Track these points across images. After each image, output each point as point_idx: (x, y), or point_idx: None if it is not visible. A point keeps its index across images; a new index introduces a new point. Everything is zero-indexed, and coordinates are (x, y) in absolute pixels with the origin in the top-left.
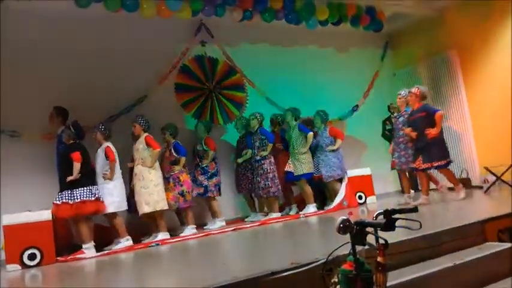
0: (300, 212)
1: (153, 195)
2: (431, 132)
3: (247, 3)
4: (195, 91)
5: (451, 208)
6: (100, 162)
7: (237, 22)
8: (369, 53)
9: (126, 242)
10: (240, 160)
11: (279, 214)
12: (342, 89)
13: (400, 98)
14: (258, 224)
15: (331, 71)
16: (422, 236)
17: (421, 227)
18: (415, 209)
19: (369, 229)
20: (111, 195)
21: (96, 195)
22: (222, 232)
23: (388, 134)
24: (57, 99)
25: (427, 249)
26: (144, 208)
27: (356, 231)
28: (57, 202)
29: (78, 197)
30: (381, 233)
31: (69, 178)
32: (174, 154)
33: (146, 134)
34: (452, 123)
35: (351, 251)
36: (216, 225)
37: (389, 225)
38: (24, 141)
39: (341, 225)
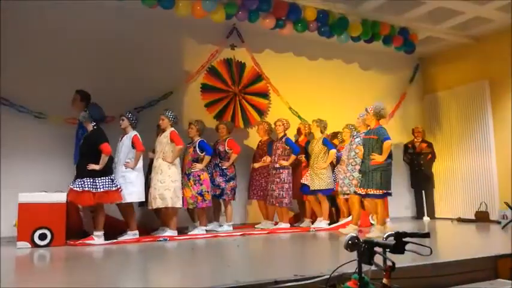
0: (311, 226)
1: (169, 190)
2: (376, 158)
3: (281, 12)
4: (220, 93)
5: (464, 239)
6: (125, 151)
7: (264, 29)
8: (397, 73)
9: (132, 235)
10: (257, 165)
11: (288, 225)
12: (366, 106)
13: (358, 119)
14: (266, 232)
15: (357, 87)
16: (432, 264)
17: (431, 253)
18: (427, 235)
19: (377, 249)
20: (133, 185)
21: (117, 185)
22: (230, 236)
23: (410, 158)
24: (83, 87)
25: (435, 277)
26: (158, 202)
27: (364, 249)
28: (77, 189)
29: (101, 187)
30: (389, 255)
31: (93, 167)
32: (198, 152)
33: (172, 129)
34: (477, 155)
35: (357, 269)
36: (223, 228)
37: (398, 248)
38: (48, 123)
39: (349, 242)
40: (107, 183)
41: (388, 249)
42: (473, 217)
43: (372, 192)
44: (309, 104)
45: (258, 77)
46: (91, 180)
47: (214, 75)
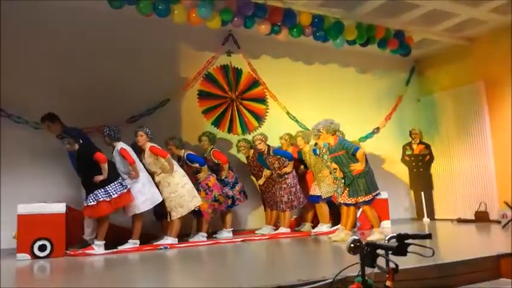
0: (312, 230)
1: (184, 196)
2: (357, 168)
3: (276, 18)
4: (217, 99)
5: (466, 240)
6: (121, 165)
7: (260, 35)
8: (393, 76)
9: (133, 244)
10: (261, 182)
11: (288, 230)
12: (363, 110)
13: (315, 137)
14: (267, 237)
15: (353, 91)
16: (434, 265)
17: (433, 254)
18: (428, 236)
19: (379, 251)
20: (141, 194)
21: (127, 186)
22: (231, 242)
23: (408, 160)
24: (81, 96)
25: (438, 278)
26: (179, 211)
27: (366, 252)
28: (93, 203)
29: (114, 193)
30: (391, 257)
31: (100, 178)
32: (191, 165)
33: (150, 144)
34: (474, 156)
35: (360, 272)
36: (223, 235)
37: (401, 250)
38: (47, 133)
39: (351, 245)
40: (118, 187)
41: (391, 252)
42: (473, 217)
43: (362, 200)
44: (306, 109)
45: (255, 83)
46: (103, 190)
47: (211, 82)
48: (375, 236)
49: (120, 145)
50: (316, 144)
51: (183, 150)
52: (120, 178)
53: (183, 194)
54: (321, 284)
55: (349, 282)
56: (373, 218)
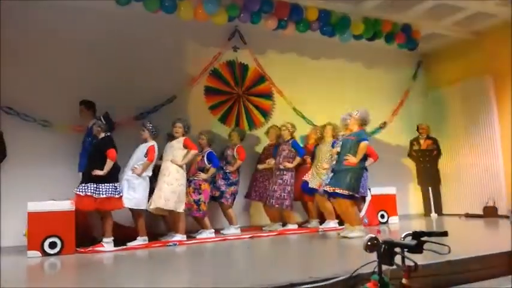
0: (320, 226)
1: (174, 194)
2: (350, 159)
3: (283, 13)
4: (223, 95)
5: (475, 235)
6: (138, 156)
7: (266, 30)
8: (400, 70)
9: (142, 241)
10: (261, 167)
11: (295, 226)
12: (370, 105)
13: (341, 122)
14: (275, 233)
15: (360, 86)
16: (447, 262)
17: (450, 251)
18: (445, 233)
19: (397, 249)
20: (134, 191)
21: (121, 193)
22: (239, 238)
23: (415, 155)
24: (87, 94)
25: (450, 275)
26: (162, 203)
27: (384, 250)
28: (80, 193)
29: (104, 193)
30: (407, 255)
31: (97, 172)
32: (206, 162)
33: (185, 136)
34: (482, 150)
35: (375, 269)
36: (230, 231)
37: (417, 247)
38: (55, 131)
39: (368, 243)
40: (109, 189)
41: (407, 249)
42: (481, 212)
43: (338, 191)
44: (313, 104)
45: (261, 78)
46: (94, 186)
47: (217, 78)
48: (354, 233)
49: (152, 143)
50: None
51: (208, 148)
52: (118, 183)
53: (175, 190)
54: (333, 281)
55: (361, 279)
56: (354, 214)
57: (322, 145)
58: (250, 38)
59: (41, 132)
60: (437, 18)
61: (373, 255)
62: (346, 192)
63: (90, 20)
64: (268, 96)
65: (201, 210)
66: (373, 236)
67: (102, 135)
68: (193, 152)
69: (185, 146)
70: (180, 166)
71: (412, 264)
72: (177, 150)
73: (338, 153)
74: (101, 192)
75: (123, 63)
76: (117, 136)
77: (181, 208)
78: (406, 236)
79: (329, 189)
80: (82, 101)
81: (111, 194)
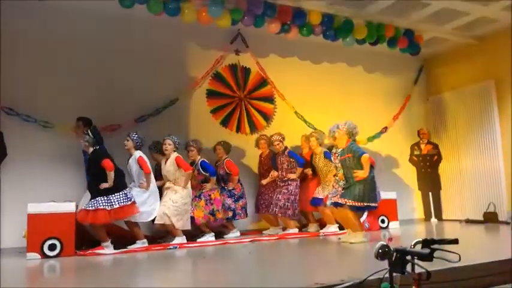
0: (320, 231)
1: (177, 211)
2: (360, 175)
3: (286, 17)
4: (225, 98)
5: (476, 241)
6: (135, 173)
7: (268, 33)
8: (402, 75)
9: (141, 244)
10: (265, 182)
11: (296, 230)
12: (371, 109)
13: (329, 134)
14: (276, 238)
15: (362, 90)
16: (449, 269)
17: (460, 259)
18: (455, 241)
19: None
20: (144, 205)
21: (132, 199)
22: (239, 242)
23: (416, 160)
24: (88, 95)
25: (453, 282)
26: (164, 219)
27: (396, 258)
28: (91, 208)
29: (116, 203)
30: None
31: (104, 185)
32: (202, 172)
33: (176, 154)
34: (483, 156)
35: (384, 276)
36: (231, 235)
37: (427, 255)
38: (56, 132)
39: (380, 251)
40: (121, 198)
41: (416, 257)
42: (481, 218)
43: (351, 204)
44: (314, 108)
45: (263, 82)
46: (105, 198)
47: (219, 81)
48: (357, 239)
49: (138, 153)
50: (331, 147)
51: (199, 156)
52: (127, 189)
53: (178, 210)
54: (339, 287)
55: (367, 286)
56: (353, 225)
57: (317, 158)
58: (252, 41)
59: (42, 133)
60: (440, 23)
61: (377, 262)
62: (358, 204)
63: (92, 22)
64: (270, 99)
65: (218, 219)
66: (385, 243)
67: (91, 149)
68: (188, 173)
69: (178, 165)
70: (185, 187)
71: (421, 272)
72: (175, 173)
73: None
74: (113, 203)
75: (124, 65)
76: (117, 139)
77: (178, 225)
78: (416, 243)
79: (343, 201)
80: (79, 118)
81: (123, 202)
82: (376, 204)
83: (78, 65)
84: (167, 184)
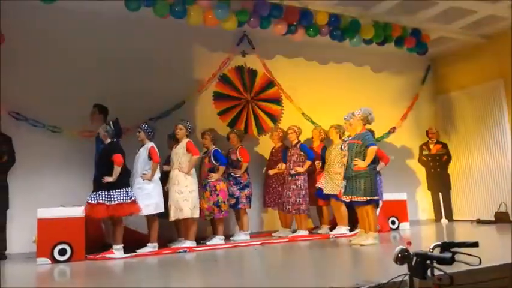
0: (330, 233)
1: (187, 201)
2: (359, 164)
3: (293, 17)
4: (232, 100)
5: (490, 242)
6: (141, 162)
7: (274, 34)
8: (409, 75)
9: (152, 248)
10: (271, 172)
11: (306, 232)
12: (379, 109)
13: (345, 122)
14: (286, 240)
15: (369, 90)
16: (468, 271)
17: (480, 262)
18: (475, 244)
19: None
20: (150, 197)
21: (133, 198)
22: (250, 245)
23: (425, 160)
24: (96, 99)
25: (470, 285)
26: (177, 214)
27: (416, 263)
28: (92, 202)
29: (116, 199)
30: (438, 267)
31: (107, 179)
32: (213, 161)
33: (188, 139)
34: (493, 155)
35: (403, 280)
36: (240, 237)
37: (447, 259)
38: (64, 137)
39: (399, 255)
40: (121, 195)
41: (436, 261)
42: (492, 218)
43: (356, 200)
44: (322, 109)
45: (270, 84)
46: (105, 193)
47: (226, 83)
48: (368, 241)
49: (151, 144)
50: (346, 137)
51: (213, 146)
52: (129, 188)
53: (187, 198)
54: None
55: None
56: (372, 221)
57: (332, 148)
58: (259, 42)
59: (50, 138)
60: (447, 22)
61: (390, 264)
62: (363, 199)
63: (100, 25)
64: (277, 101)
65: (223, 211)
66: (404, 247)
67: (108, 140)
68: (195, 157)
69: (187, 150)
70: (188, 173)
71: (441, 275)
72: (182, 157)
73: (346, 156)
74: (112, 199)
75: (132, 68)
76: (126, 141)
77: (196, 214)
78: (435, 246)
79: (346, 198)
80: (96, 104)
81: (123, 199)
82: (378, 198)
83: (86, 69)
84: (171, 173)
